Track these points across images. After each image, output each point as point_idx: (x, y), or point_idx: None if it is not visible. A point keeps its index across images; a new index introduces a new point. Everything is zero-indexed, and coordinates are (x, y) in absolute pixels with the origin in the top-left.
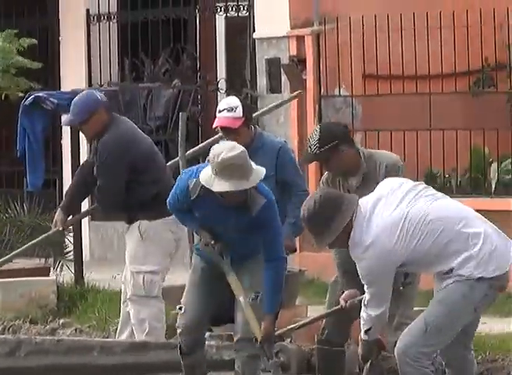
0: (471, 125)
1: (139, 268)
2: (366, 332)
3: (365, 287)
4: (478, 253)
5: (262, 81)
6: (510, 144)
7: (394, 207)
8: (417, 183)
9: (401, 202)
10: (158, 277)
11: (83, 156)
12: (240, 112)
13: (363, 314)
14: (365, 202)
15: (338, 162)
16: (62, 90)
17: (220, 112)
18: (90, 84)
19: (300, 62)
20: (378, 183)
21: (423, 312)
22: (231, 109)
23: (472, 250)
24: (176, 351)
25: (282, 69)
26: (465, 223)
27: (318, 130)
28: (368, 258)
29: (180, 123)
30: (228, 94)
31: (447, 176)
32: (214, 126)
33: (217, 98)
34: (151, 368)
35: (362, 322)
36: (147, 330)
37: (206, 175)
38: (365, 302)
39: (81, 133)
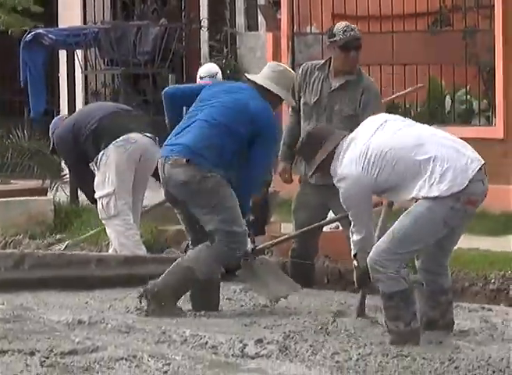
0: (430, 60)
1: (97, 194)
2: (355, 257)
3: (348, 213)
4: (430, 176)
5: (241, 20)
6: (464, 77)
7: (364, 141)
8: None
9: (371, 136)
10: (112, 198)
11: (78, 87)
12: (220, 77)
13: (351, 240)
14: (349, 137)
15: (357, 56)
16: (58, 27)
17: (201, 78)
18: (84, 22)
19: (275, 3)
20: (352, 100)
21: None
22: (212, 76)
23: (424, 175)
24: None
25: (259, 9)
26: (417, 152)
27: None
28: (343, 187)
29: (170, 83)
30: (210, 32)
31: (408, 106)
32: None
33: (199, 35)
34: (143, 279)
35: (351, 248)
36: (117, 246)
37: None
38: (351, 228)
39: (76, 65)
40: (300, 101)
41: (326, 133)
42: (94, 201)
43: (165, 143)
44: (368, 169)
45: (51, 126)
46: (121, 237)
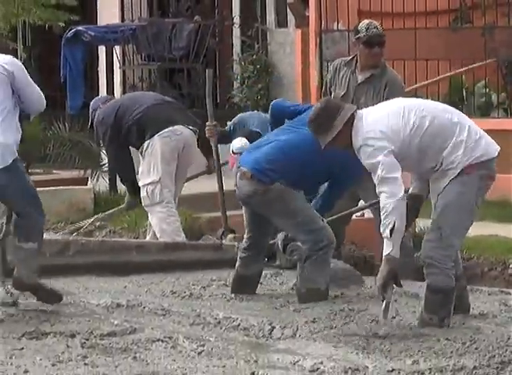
0: (451, 56)
1: (142, 182)
2: (391, 231)
3: (374, 175)
4: (466, 139)
5: (271, 17)
6: (483, 72)
7: (388, 106)
8: None
9: (396, 102)
10: (157, 186)
11: (116, 82)
12: None
13: (382, 210)
14: (364, 110)
15: (381, 51)
16: (98, 24)
17: (235, 154)
18: (122, 19)
19: (303, 1)
20: (376, 93)
21: (433, 220)
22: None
23: (460, 137)
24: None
25: (288, 7)
26: (452, 116)
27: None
28: (370, 146)
29: (207, 78)
30: (241, 28)
31: (430, 99)
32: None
33: (232, 32)
34: (182, 265)
35: (384, 220)
36: (158, 232)
37: None
38: (382, 194)
39: (115, 60)
40: (331, 95)
41: (341, 103)
42: (128, 182)
43: (248, 150)
44: (400, 124)
45: (91, 105)
46: (163, 224)
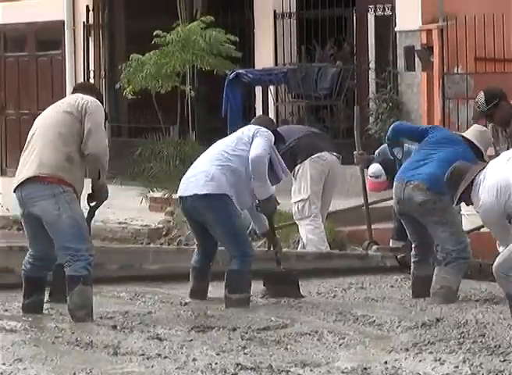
0: None
1: (294, 199)
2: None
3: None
4: None
5: (401, 62)
6: None
7: (494, 174)
8: None
9: (499, 170)
10: (307, 203)
11: (271, 116)
12: (384, 177)
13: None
14: (483, 171)
15: (500, 114)
16: (255, 68)
17: (371, 177)
18: (276, 64)
19: (428, 48)
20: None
21: None
22: (377, 176)
23: None
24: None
25: (415, 54)
26: None
27: (483, 93)
28: (481, 212)
29: (355, 113)
30: (376, 72)
31: None
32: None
33: (368, 74)
34: (335, 271)
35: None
36: (306, 241)
37: None
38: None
39: (269, 98)
40: None
41: (467, 168)
42: None
43: (401, 171)
44: (499, 197)
45: None
46: (309, 234)
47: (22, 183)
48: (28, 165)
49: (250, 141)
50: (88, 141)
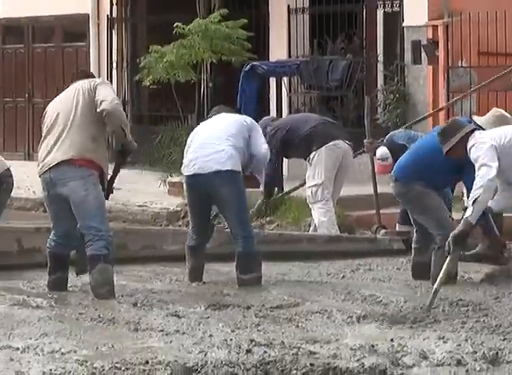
0: None
1: (308, 184)
2: (475, 201)
3: (476, 163)
4: None
5: (408, 56)
6: None
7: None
8: None
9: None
10: (320, 188)
11: (284, 106)
12: (390, 160)
13: (475, 185)
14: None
15: None
16: (269, 60)
17: (378, 160)
18: (289, 56)
19: (434, 43)
20: None
21: None
22: (384, 159)
23: None
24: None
25: (422, 48)
26: None
27: None
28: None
29: (366, 104)
30: (384, 64)
31: None
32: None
33: (376, 67)
34: (345, 254)
35: (473, 192)
36: (317, 224)
37: None
38: (478, 174)
39: (283, 89)
40: None
41: (464, 125)
42: (270, 187)
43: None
44: (501, 146)
45: (260, 123)
46: (321, 217)
47: (52, 165)
48: (56, 148)
49: (248, 127)
50: (100, 99)
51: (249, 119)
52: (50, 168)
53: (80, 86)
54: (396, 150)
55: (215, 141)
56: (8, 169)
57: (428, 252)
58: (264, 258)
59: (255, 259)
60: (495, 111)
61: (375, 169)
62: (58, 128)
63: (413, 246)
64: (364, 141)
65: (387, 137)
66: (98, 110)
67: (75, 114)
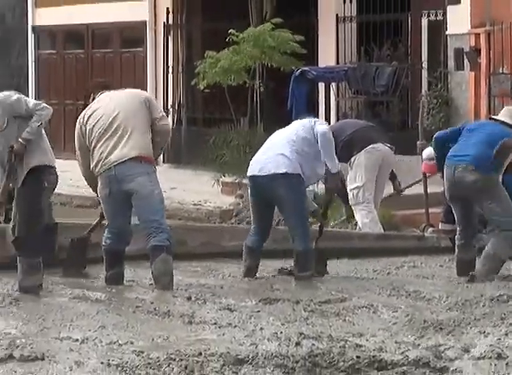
0: None
1: (350, 186)
2: None
3: None
4: None
5: (451, 63)
6: None
7: None
8: None
9: None
10: (361, 190)
11: (332, 110)
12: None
13: None
14: None
15: None
16: (319, 66)
17: (424, 160)
18: (337, 62)
19: (476, 50)
20: None
21: None
22: (430, 159)
23: None
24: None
25: (464, 55)
26: None
27: None
28: None
29: (420, 108)
30: (428, 71)
31: None
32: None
33: (421, 73)
34: (393, 251)
35: None
36: (361, 224)
37: None
38: None
39: (331, 94)
40: None
41: None
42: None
43: (448, 158)
44: None
45: None
46: (364, 218)
47: (118, 162)
48: (120, 147)
49: (311, 127)
50: (162, 114)
51: (312, 120)
52: (115, 165)
53: (132, 94)
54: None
55: (277, 145)
56: (53, 167)
57: (472, 250)
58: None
59: (311, 258)
60: (509, 107)
61: (423, 169)
62: (118, 129)
63: (457, 243)
64: (417, 142)
65: (433, 137)
66: (160, 123)
67: (135, 118)
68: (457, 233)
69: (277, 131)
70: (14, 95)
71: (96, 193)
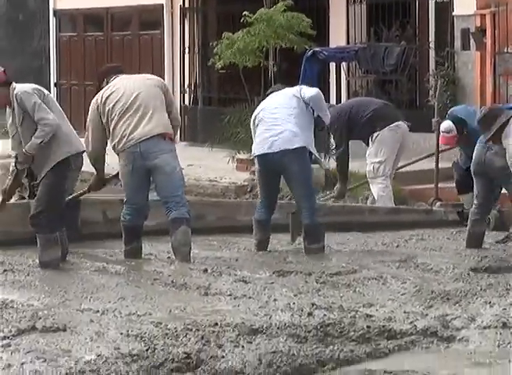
0: None
1: (370, 160)
2: None
3: None
4: None
5: (457, 43)
6: None
7: None
8: None
9: None
10: (382, 165)
11: (343, 89)
12: (455, 131)
13: None
14: None
15: None
16: (330, 46)
17: (441, 132)
18: (348, 43)
19: (482, 30)
20: None
21: None
22: (449, 132)
23: None
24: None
25: (470, 35)
26: None
27: None
28: None
29: (438, 87)
30: (435, 51)
31: None
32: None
33: (428, 53)
34: (403, 224)
35: None
36: (376, 197)
37: None
38: None
39: (342, 73)
40: None
41: (500, 111)
42: (343, 171)
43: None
44: None
45: None
46: (381, 192)
47: (143, 139)
48: (143, 124)
49: (300, 96)
50: (176, 106)
51: (299, 88)
52: (140, 142)
53: (151, 78)
54: (459, 123)
55: (280, 121)
56: (80, 153)
57: (484, 224)
58: (329, 229)
59: (320, 230)
60: None
61: (440, 141)
62: (139, 108)
63: (471, 217)
64: (433, 119)
65: (449, 112)
66: (174, 113)
67: (155, 99)
68: (473, 206)
69: (268, 101)
70: (32, 99)
71: (95, 167)
